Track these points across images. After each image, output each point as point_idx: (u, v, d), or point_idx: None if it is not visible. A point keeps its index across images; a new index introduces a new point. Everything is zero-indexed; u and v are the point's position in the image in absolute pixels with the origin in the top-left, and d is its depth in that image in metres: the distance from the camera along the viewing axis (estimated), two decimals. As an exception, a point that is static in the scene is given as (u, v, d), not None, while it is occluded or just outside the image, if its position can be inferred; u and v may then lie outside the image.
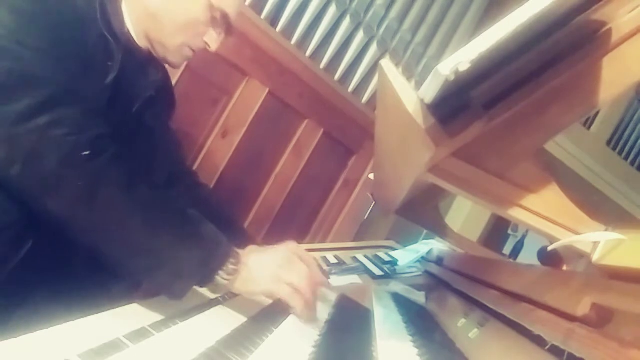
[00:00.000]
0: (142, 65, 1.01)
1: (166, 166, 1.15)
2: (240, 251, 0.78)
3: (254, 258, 0.79)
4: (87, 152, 0.73)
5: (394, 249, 1.74)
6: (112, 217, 0.74)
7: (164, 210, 0.78)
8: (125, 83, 0.93)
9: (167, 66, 1.10)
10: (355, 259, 1.53)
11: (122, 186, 0.74)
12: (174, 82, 1.68)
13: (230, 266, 0.75)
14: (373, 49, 2.04)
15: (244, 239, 1.09)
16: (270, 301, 0.84)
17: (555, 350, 0.47)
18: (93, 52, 0.85)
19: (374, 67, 2.05)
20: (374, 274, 1.39)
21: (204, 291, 0.84)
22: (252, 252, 0.80)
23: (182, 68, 1.70)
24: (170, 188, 1.15)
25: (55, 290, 0.87)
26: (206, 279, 0.74)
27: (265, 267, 0.78)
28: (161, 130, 1.13)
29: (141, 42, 1.00)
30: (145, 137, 1.05)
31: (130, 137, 0.96)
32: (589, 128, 3.05)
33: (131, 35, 0.97)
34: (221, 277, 0.75)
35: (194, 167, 1.81)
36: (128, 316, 0.66)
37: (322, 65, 1.99)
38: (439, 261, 1.39)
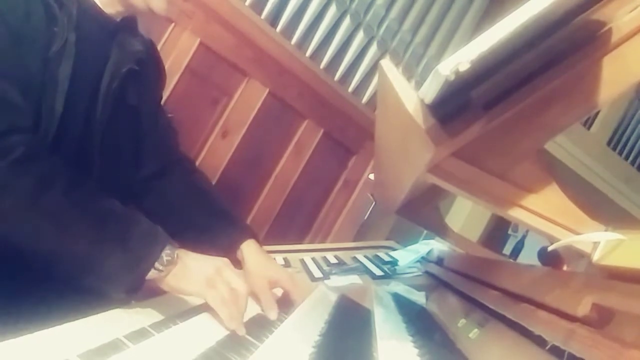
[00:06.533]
0: (116, 36, 0.93)
1: (157, 155, 1.08)
2: (179, 249, 0.75)
3: (193, 257, 0.76)
4: None
5: (394, 249, 1.74)
6: (18, 228, 0.70)
7: (80, 215, 0.73)
8: (93, 55, 0.87)
9: (163, 52, 1.02)
10: (355, 259, 1.53)
11: (26, 195, 0.70)
12: (173, 82, 1.69)
13: (166, 257, 0.72)
14: (373, 49, 2.04)
15: (239, 229, 1.03)
16: (201, 300, 0.81)
17: (555, 350, 0.47)
18: (24, 18, 0.77)
19: (374, 67, 2.04)
20: (374, 274, 1.39)
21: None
22: (190, 253, 0.77)
23: (182, 68, 1.70)
24: (162, 177, 1.09)
25: (56, 291, 0.86)
26: (137, 281, 0.71)
27: (203, 268, 0.75)
28: (148, 111, 1.06)
29: (112, 9, 0.93)
30: (130, 118, 0.99)
31: (111, 118, 0.92)
32: (589, 128, 3.04)
33: (95, 3, 0.90)
34: (154, 268, 0.72)
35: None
36: (128, 316, 0.66)
37: (322, 65, 1.99)
38: (439, 261, 1.39)
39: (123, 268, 0.70)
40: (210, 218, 1.04)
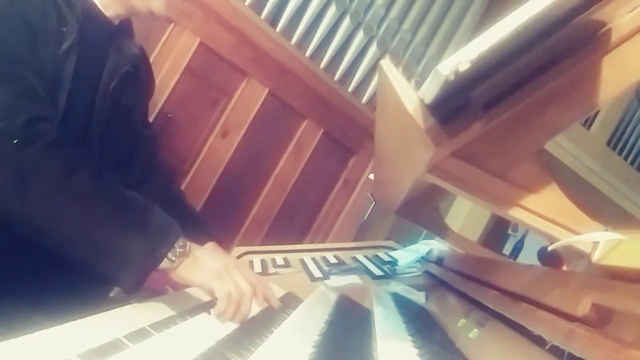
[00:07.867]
0: (114, 38, 0.98)
1: (145, 163, 1.13)
2: (192, 243, 0.78)
3: (205, 251, 0.80)
4: (15, 141, 0.70)
5: (394, 249, 1.74)
6: (46, 210, 0.71)
7: (105, 199, 0.76)
8: (93, 56, 0.90)
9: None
10: (355, 259, 1.53)
11: (56, 177, 0.72)
12: (173, 82, 1.68)
13: (178, 249, 0.74)
14: (373, 49, 2.04)
15: (210, 240, 1.09)
16: (201, 300, 0.82)
17: (555, 350, 0.47)
18: (42, 17, 0.82)
19: (374, 67, 2.04)
20: (373, 274, 1.39)
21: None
22: (201, 247, 0.80)
23: (182, 68, 1.70)
24: (145, 185, 1.13)
25: (54, 291, 0.86)
26: (150, 268, 0.73)
27: (213, 262, 0.78)
28: (140, 114, 1.10)
29: (112, 11, 0.97)
30: (126, 120, 1.02)
31: (109, 119, 0.95)
32: (589, 128, 3.04)
33: (96, 5, 0.95)
34: (167, 258, 0.74)
35: (194, 167, 1.81)
36: (128, 316, 0.66)
37: (322, 65, 1.99)
38: (439, 261, 1.39)
39: (140, 253, 0.72)
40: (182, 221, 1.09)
